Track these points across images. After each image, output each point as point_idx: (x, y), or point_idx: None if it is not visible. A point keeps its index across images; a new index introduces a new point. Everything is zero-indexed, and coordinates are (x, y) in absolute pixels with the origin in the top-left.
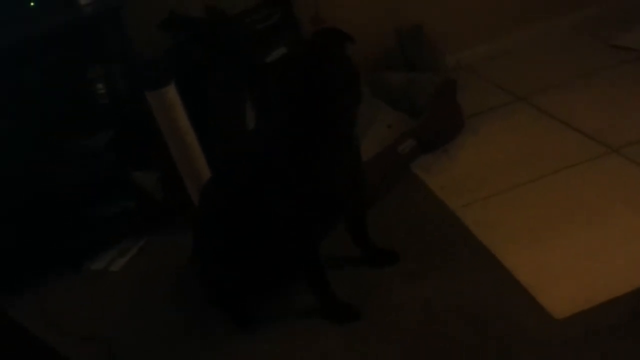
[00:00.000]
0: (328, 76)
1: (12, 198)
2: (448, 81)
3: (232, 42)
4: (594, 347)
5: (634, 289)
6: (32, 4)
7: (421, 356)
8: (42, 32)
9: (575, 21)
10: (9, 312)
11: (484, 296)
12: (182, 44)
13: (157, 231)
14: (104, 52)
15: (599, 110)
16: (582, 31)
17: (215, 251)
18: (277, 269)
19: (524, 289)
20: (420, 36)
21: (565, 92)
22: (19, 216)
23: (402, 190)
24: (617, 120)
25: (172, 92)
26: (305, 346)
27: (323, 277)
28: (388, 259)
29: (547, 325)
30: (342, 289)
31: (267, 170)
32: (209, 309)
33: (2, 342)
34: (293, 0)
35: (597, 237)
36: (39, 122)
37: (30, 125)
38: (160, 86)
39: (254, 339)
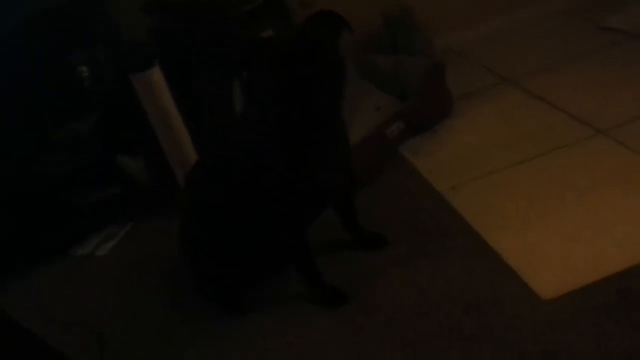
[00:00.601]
0: (318, 65)
1: None
2: (437, 64)
3: (218, 24)
4: (582, 328)
5: (622, 269)
6: None
7: (413, 340)
8: (25, 16)
9: (564, 4)
10: None
11: (473, 279)
12: (166, 27)
13: (144, 216)
14: (88, 36)
15: (586, 92)
16: (570, 14)
17: (203, 238)
18: (266, 255)
19: (513, 271)
20: (408, 19)
21: (553, 75)
22: (4, 203)
23: (391, 173)
24: (604, 102)
25: (157, 75)
26: (297, 332)
27: (311, 262)
28: (377, 243)
29: (536, 307)
30: (334, 273)
31: (255, 156)
32: (198, 295)
33: None
34: None
35: (585, 219)
36: (23, 107)
37: (14, 111)
38: (144, 69)
39: (244, 325)
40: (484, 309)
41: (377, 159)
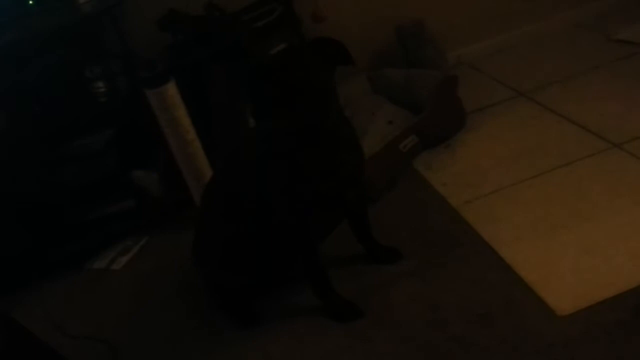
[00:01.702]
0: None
1: (12, 199)
2: (450, 77)
3: (231, 39)
4: (597, 344)
5: (637, 285)
6: (30, 2)
7: (426, 355)
8: (41, 31)
9: (577, 17)
10: (11, 313)
11: (486, 293)
12: (181, 41)
13: (158, 230)
14: (103, 51)
15: (600, 105)
16: (583, 26)
17: (217, 251)
18: (279, 268)
19: (527, 285)
20: (421, 32)
21: (566, 88)
22: (20, 217)
23: (404, 187)
24: (618, 115)
25: (172, 90)
26: (309, 345)
27: (324, 275)
28: (391, 257)
29: (550, 323)
30: (346, 286)
31: (267, 169)
32: (211, 307)
33: (3, 344)
34: None
35: (600, 233)
36: (39, 122)
37: (30, 125)
38: (160, 84)
39: (256, 337)
40: (498, 323)
41: (390, 172)
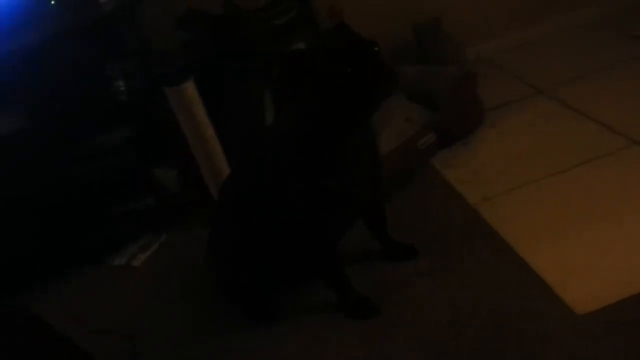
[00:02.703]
0: (365, 67)
1: (33, 196)
2: (468, 74)
3: (250, 38)
4: (616, 343)
5: None
6: (52, 2)
7: (442, 354)
8: (62, 30)
9: (597, 13)
10: (33, 308)
11: (504, 292)
12: (200, 40)
13: (177, 227)
14: (122, 49)
15: (620, 101)
16: (603, 23)
17: (233, 248)
18: (295, 265)
19: (545, 284)
20: (438, 29)
21: (586, 85)
22: (41, 213)
23: (421, 184)
24: (638, 112)
25: (191, 88)
26: (323, 342)
27: (342, 272)
28: (407, 254)
29: (569, 321)
30: (361, 283)
31: (287, 165)
32: (227, 304)
33: (25, 338)
34: None
35: (619, 232)
36: (59, 119)
37: (50, 123)
38: (179, 82)
39: (272, 333)
40: (515, 322)
41: (407, 169)
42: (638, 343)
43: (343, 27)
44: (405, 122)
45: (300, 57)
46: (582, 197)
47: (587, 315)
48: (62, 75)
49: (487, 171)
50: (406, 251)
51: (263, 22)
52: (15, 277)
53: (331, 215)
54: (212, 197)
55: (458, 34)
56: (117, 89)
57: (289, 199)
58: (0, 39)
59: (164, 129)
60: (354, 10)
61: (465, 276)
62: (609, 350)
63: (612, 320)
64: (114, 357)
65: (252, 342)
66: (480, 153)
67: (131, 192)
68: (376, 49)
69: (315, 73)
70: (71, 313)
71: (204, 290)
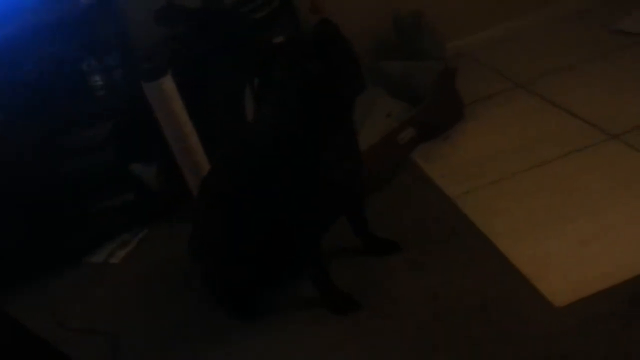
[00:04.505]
0: (340, 61)
1: (11, 193)
2: (448, 69)
3: (230, 31)
4: (593, 335)
5: (634, 275)
6: None
7: (425, 346)
8: (39, 24)
9: (577, 7)
10: (10, 309)
11: (485, 285)
12: (179, 34)
13: (157, 223)
14: (100, 44)
15: (599, 96)
16: (583, 17)
17: (215, 244)
18: (278, 262)
19: (524, 277)
20: (419, 23)
21: (565, 78)
22: (18, 211)
23: (402, 179)
24: (617, 106)
25: (168, 83)
26: (308, 337)
27: (324, 269)
28: (389, 249)
29: (547, 314)
30: (345, 279)
31: (271, 161)
32: (210, 301)
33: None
34: None
35: (597, 224)
36: (37, 115)
37: (28, 119)
38: (157, 77)
39: (255, 330)
40: (495, 314)
41: (388, 164)
42: (614, 335)
43: (325, 22)
44: (386, 118)
45: (276, 51)
46: (561, 190)
47: (565, 307)
48: (39, 70)
49: (467, 165)
50: (388, 246)
51: (242, 16)
52: None
53: (315, 211)
54: (191, 192)
55: (438, 27)
56: (94, 84)
57: (272, 194)
58: None
59: (143, 125)
60: (335, 4)
61: (447, 269)
62: (585, 343)
63: (588, 313)
64: (95, 357)
65: (235, 337)
66: (460, 147)
67: (110, 189)
68: (349, 47)
69: (288, 68)
70: (50, 313)
71: (185, 287)
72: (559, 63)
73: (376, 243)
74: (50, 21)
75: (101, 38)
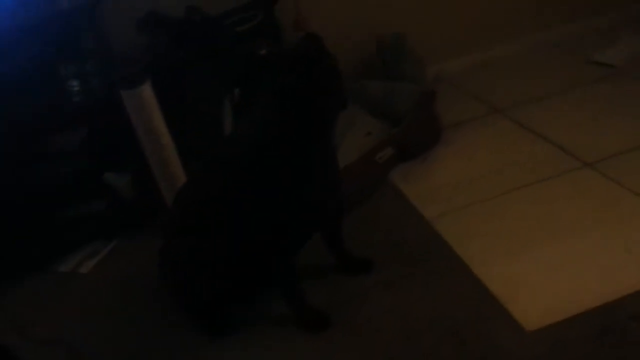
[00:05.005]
0: (323, 77)
1: None
2: (428, 91)
3: (210, 43)
4: None
5: (604, 303)
6: None
7: None
8: (16, 26)
9: (556, 37)
10: None
11: (457, 307)
12: (160, 44)
13: (128, 233)
14: (78, 49)
15: (575, 124)
16: (561, 47)
17: (185, 260)
18: (251, 277)
19: (496, 300)
20: (401, 45)
21: (542, 106)
22: None
23: (379, 198)
24: (592, 135)
25: (147, 92)
26: (277, 354)
27: (296, 286)
28: (363, 268)
29: (518, 338)
30: (318, 297)
31: (248, 176)
32: (179, 315)
33: None
34: (274, 3)
35: (569, 250)
36: (9, 119)
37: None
38: (135, 85)
39: (224, 345)
40: (466, 338)
41: (366, 182)
42: None
43: (311, 37)
44: (365, 136)
45: (260, 63)
46: (535, 215)
47: (535, 332)
48: (14, 73)
49: (444, 187)
50: (362, 265)
51: (225, 28)
52: None
53: (291, 227)
54: (165, 203)
55: (420, 51)
56: (70, 89)
57: (248, 209)
58: None
59: (119, 133)
60: (319, 22)
61: (420, 291)
62: None
63: (558, 338)
64: None
65: (203, 353)
66: (437, 169)
67: (81, 197)
68: (333, 63)
69: (271, 81)
70: (14, 322)
71: (154, 299)
72: (537, 91)
73: (350, 261)
74: (28, 24)
75: (79, 43)
